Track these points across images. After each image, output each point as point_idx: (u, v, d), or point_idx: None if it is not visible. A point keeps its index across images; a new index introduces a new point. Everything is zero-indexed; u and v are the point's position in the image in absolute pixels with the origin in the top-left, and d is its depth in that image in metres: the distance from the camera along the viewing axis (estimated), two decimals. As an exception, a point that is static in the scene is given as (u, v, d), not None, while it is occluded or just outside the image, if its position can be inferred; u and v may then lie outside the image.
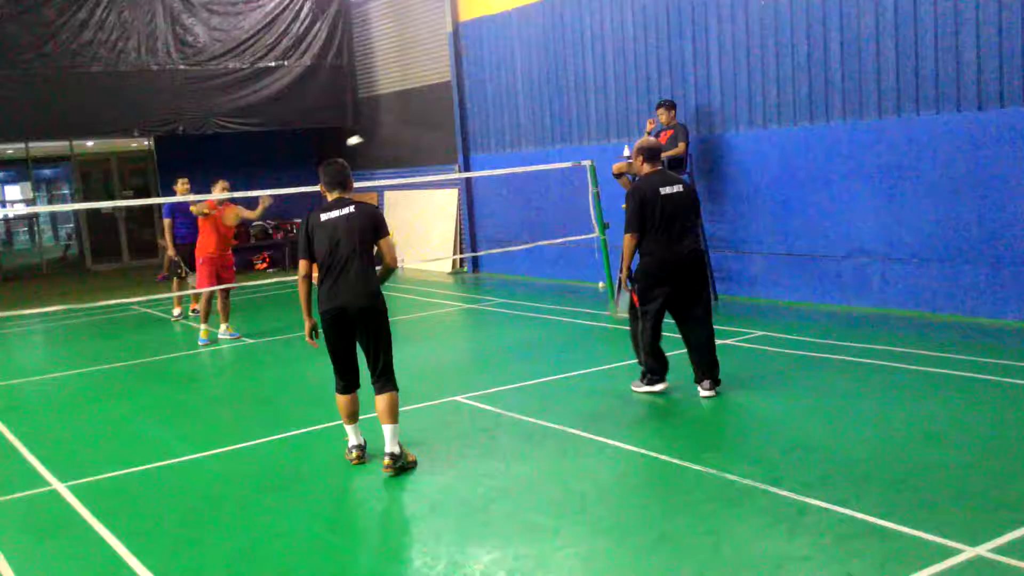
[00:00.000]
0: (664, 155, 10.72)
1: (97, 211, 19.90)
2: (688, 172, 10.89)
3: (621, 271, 7.01)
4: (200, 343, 10.50)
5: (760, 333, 8.95)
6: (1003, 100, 8.51)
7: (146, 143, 20.21)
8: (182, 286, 12.07)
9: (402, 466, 5.68)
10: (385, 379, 5.75)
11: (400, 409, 7.17)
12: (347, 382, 5.85)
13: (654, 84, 11.93)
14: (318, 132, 20.03)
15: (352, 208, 5.75)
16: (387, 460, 5.63)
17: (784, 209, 10.47)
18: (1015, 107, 8.42)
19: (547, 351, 8.90)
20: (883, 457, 5.39)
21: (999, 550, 4.07)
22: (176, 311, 12.69)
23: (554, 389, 7.51)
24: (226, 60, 17.22)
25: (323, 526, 5.00)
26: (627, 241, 6.78)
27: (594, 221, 10.76)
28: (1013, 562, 3.96)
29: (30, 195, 21.86)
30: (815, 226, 10.18)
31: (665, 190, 6.69)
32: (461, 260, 15.86)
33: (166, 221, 12.06)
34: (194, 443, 6.69)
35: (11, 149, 20.78)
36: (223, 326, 10.90)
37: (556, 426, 6.45)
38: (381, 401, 5.71)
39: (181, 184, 11.92)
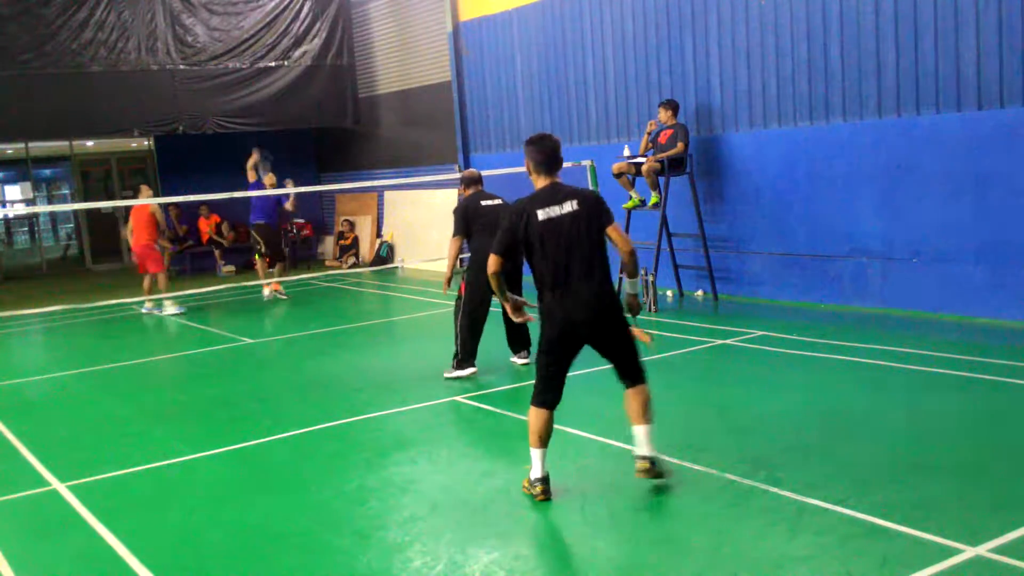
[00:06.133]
0: (663, 155, 10.75)
1: (97, 211, 19.91)
2: (688, 172, 10.90)
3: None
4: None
5: (760, 333, 8.95)
6: (1003, 100, 8.51)
7: (146, 143, 20.21)
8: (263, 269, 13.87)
9: (660, 472, 5.09)
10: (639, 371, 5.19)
11: (400, 409, 7.22)
12: (556, 395, 5.16)
13: (654, 84, 11.93)
14: (318, 132, 20.04)
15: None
16: (648, 465, 5.06)
17: (784, 209, 10.47)
18: (1015, 107, 8.42)
19: (547, 351, 8.88)
20: (883, 457, 5.39)
21: (999, 550, 4.07)
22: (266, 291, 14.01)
23: (554, 389, 7.50)
24: (226, 60, 17.21)
25: (323, 526, 5.00)
26: (452, 244, 8.21)
27: (594, 221, 10.77)
28: (1013, 562, 3.95)
29: (30, 195, 21.87)
30: (815, 226, 10.17)
31: (485, 202, 8.25)
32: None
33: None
34: (194, 443, 6.69)
35: (11, 149, 20.78)
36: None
37: (556, 426, 6.40)
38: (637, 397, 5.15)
39: (269, 178, 13.55)
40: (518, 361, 8.40)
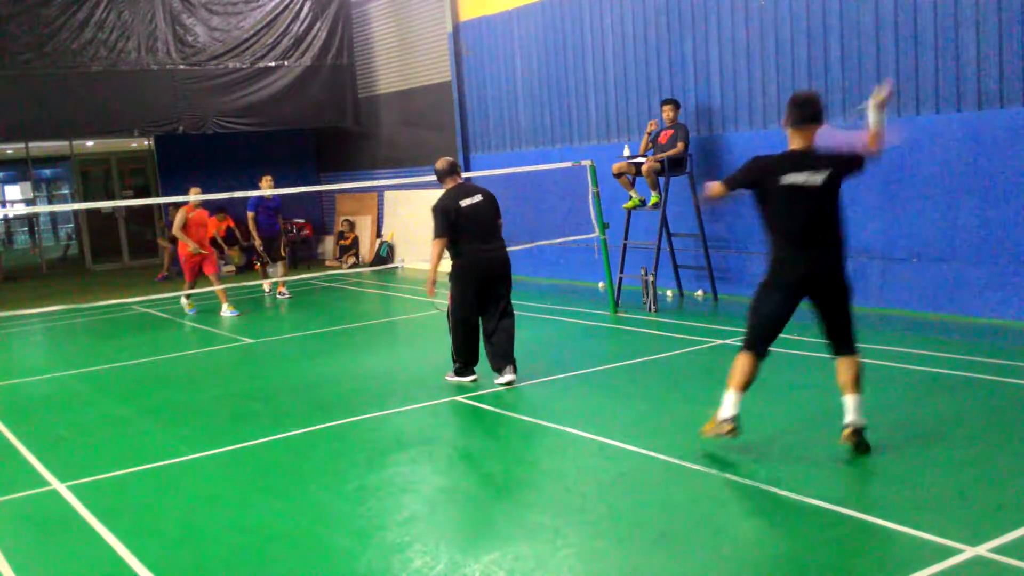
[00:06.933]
0: (663, 155, 10.74)
1: (97, 211, 19.91)
2: (688, 172, 10.90)
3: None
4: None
5: (760, 333, 8.93)
6: (1003, 100, 8.51)
7: (146, 143, 20.21)
8: (265, 273, 14.08)
9: (866, 442, 5.35)
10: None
11: (400, 409, 7.22)
12: (768, 345, 5.48)
13: (654, 84, 11.93)
14: (318, 132, 20.04)
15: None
16: (854, 434, 5.34)
17: (784, 209, 10.45)
18: (1015, 107, 8.42)
19: (547, 351, 8.89)
20: (883, 457, 5.39)
21: (999, 550, 4.07)
22: (267, 287, 14.55)
23: (554, 389, 7.51)
24: (226, 60, 17.22)
25: (323, 526, 5.00)
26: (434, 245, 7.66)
27: (594, 221, 10.76)
28: (1013, 562, 3.95)
29: (30, 195, 21.88)
30: (815, 226, 10.16)
31: (464, 202, 7.72)
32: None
33: (250, 214, 13.66)
34: (194, 443, 6.69)
35: (11, 149, 20.79)
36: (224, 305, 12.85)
37: (556, 426, 6.44)
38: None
39: (266, 180, 13.50)
40: (501, 380, 7.55)
